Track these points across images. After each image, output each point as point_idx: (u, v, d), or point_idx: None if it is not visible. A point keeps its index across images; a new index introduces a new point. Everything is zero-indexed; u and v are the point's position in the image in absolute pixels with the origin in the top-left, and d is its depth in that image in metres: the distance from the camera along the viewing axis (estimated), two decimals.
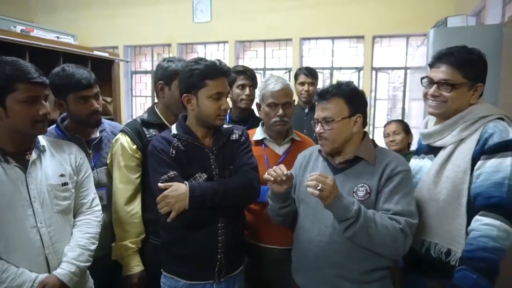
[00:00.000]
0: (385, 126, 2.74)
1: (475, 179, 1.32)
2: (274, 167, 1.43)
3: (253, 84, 2.25)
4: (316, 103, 1.49)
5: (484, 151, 1.32)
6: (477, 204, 1.29)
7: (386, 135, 2.66)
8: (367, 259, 1.37)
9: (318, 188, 1.25)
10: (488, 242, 1.20)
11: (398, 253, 1.36)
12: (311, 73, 3.14)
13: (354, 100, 1.44)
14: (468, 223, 1.31)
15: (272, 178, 1.41)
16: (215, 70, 1.47)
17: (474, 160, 1.34)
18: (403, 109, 5.35)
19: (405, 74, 5.30)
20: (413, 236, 1.37)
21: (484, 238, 1.21)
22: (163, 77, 1.74)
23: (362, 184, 1.40)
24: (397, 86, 5.96)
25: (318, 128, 1.45)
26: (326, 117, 1.42)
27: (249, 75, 2.24)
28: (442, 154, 1.43)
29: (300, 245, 1.52)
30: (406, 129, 2.62)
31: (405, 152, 2.55)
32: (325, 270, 1.42)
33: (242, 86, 2.22)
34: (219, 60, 1.51)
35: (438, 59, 1.44)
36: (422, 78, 1.49)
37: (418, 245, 1.46)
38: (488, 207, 1.25)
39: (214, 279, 1.53)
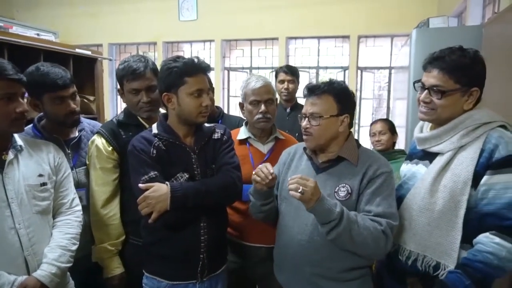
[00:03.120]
0: (371, 125, 2.77)
1: (482, 194, 1.24)
2: (261, 166, 1.43)
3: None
4: (305, 98, 1.48)
5: (490, 165, 1.24)
6: (488, 223, 1.23)
7: (372, 134, 2.69)
8: (347, 258, 1.37)
9: (299, 190, 1.24)
10: (494, 260, 1.18)
11: (379, 254, 1.37)
12: (291, 71, 3.01)
13: (343, 99, 1.44)
14: (464, 236, 1.27)
15: (259, 179, 1.41)
16: (194, 67, 1.45)
17: (477, 173, 1.25)
18: (388, 108, 5.41)
19: (390, 73, 5.36)
20: (399, 245, 1.38)
21: (491, 255, 1.19)
22: (118, 81, 1.72)
23: (344, 185, 1.40)
24: (382, 86, 6.03)
25: (304, 123, 1.45)
26: (314, 112, 1.41)
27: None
28: (440, 161, 1.34)
29: (281, 243, 1.52)
30: (391, 129, 2.65)
31: (390, 151, 2.58)
32: (304, 268, 1.42)
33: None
34: (197, 57, 1.49)
35: (429, 63, 1.36)
36: (414, 83, 1.43)
37: (403, 256, 1.40)
38: (501, 228, 1.20)
39: (196, 279, 1.52)
